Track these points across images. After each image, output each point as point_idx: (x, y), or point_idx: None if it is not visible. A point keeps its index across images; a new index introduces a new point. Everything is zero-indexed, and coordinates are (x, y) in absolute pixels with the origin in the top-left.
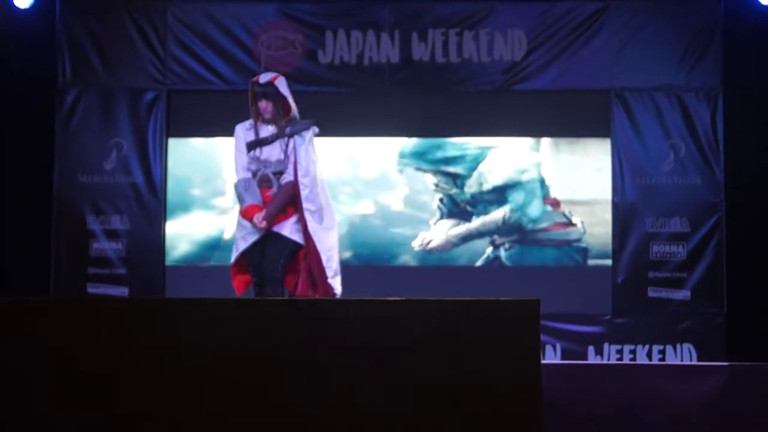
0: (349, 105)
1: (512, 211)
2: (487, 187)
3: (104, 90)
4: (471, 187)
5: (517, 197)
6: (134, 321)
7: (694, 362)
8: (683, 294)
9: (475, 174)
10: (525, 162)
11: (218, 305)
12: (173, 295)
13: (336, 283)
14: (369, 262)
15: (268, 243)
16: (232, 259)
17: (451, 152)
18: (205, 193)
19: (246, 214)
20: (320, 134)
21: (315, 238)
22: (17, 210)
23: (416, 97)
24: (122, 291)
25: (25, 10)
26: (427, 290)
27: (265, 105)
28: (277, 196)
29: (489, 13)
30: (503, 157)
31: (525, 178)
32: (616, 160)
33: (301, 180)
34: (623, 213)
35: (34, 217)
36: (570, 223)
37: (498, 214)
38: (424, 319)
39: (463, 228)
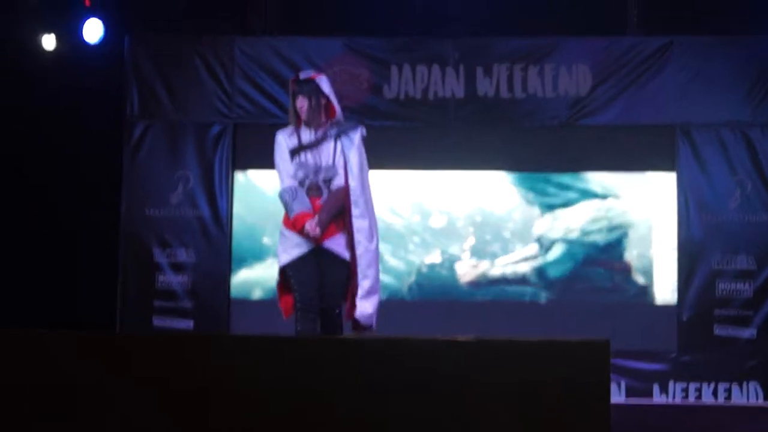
0: (413, 139)
1: None
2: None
3: (171, 123)
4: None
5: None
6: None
7: (761, 402)
8: (749, 332)
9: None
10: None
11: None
12: (238, 329)
13: (365, 305)
14: (431, 297)
15: (325, 265)
16: (278, 276)
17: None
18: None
19: (296, 222)
20: (385, 167)
21: (358, 251)
22: (85, 242)
23: (481, 131)
24: (187, 324)
25: (94, 45)
26: (494, 327)
27: (302, 103)
28: (328, 202)
29: (553, 48)
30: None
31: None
32: (681, 196)
33: (351, 184)
34: (689, 249)
35: (101, 250)
36: None
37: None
38: (494, 358)
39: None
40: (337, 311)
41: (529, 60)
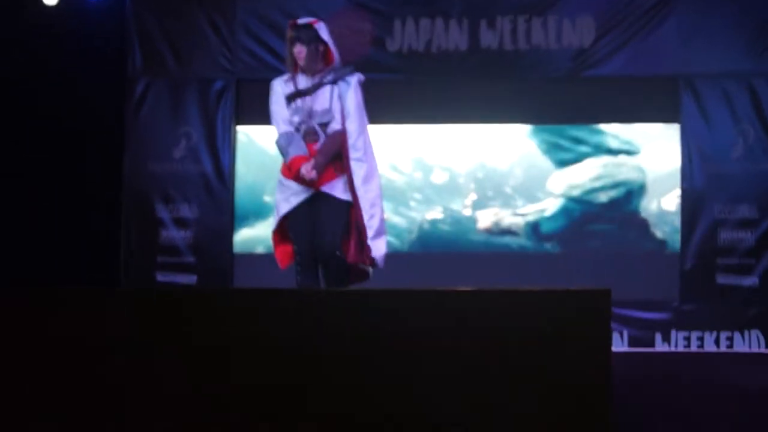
0: (417, 92)
1: None
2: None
3: (174, 79)
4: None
5: None
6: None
7: (763, 349)
8: (751, 280)
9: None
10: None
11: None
12: (241, 283)
13: (378, 245)
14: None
15: (322, 210)
16: (274, 224)
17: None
18: None
19: (292, 166)
20: (388, 121)
21: (359, 193)
22: (87, 198)
23: (484, 84)
24: (191, 279)
25: (95, 1)
26: (498, 278)
27: (299, 49)
28: (324, 144)
29: (557, 0)
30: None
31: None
32: (685, 146)
33: (348, 127)
34: (691, 199)
35: (103, 205)
36: None
37: None
38: (494, 308)
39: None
40: (339, 254)
41: (533, 12)
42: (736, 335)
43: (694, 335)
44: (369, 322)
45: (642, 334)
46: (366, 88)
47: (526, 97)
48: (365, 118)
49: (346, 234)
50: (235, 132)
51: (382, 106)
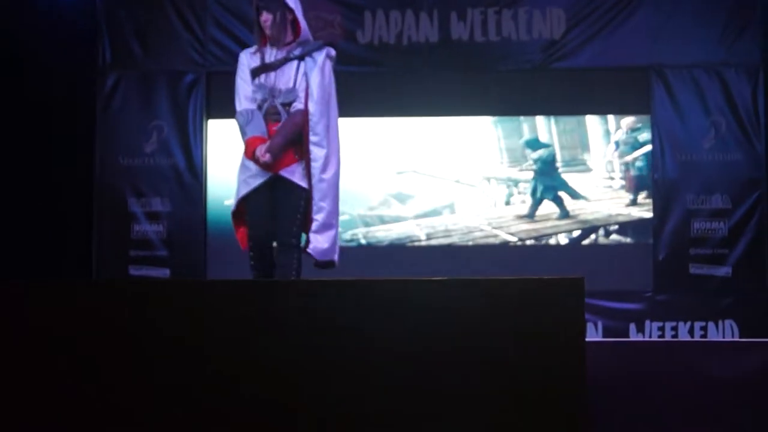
0: (388, 85)
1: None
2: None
3: (144, 73)
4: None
5: None
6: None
7: (737, 339)
8: (725, 270)
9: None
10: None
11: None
12: (215, 276)
13: (319, 239)
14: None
15: (280, 195)
16: (233, 206)
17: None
18: None
19: (248, 147)
20: (359, 114)
21: (313, 180)
22: (59, 193)
23: (455, 76)
24: (164, 272)
25: None
26: (467, 269)
27: (266, 17)
28: (283, 125)
29: None
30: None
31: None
32: (656, 137)
33: (310, 108)
34: (663, 190)
35: (75, 200)
36: None
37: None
38: (468, 298)
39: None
40: (294, 242)
41: (503, 3)
42: (710, 325)
43: (668, 325)
44: (340, 313)
45: (616, 324)
46: (337, 80)
47: (497, 88)
48: (332, 101)
49: (306, 223)
50: (206, 125)
51: (353, 99)
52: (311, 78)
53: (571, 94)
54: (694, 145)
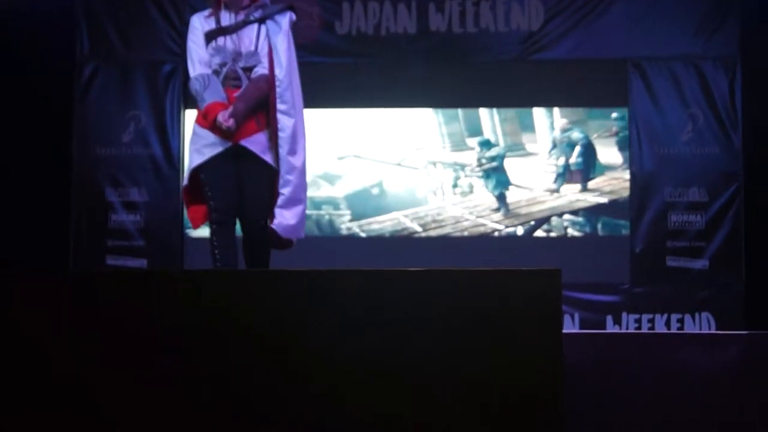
0: (366, 76)
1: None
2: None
3: (122, 63)
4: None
5: None
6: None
7: (713, 331)
8: (701, 263)
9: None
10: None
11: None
12: (192, 266)
13: (285, 215)
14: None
15: (245, 170)
16: (185, 179)
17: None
18: None
19: (207, 113)
20: (339, 105)
21: (281, 152)
22: (36, 183)
23: (433, 67)
24: (141, 263)
25: None
26: (444, 261)
27: None
28: (247, 90)
29: None
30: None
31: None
32: (633, 129)
33: (277, 74)
34: (641, 182)
35: (52, 190)
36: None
37: None
38: (445, 289)
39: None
40: (263, 222)
41: None
42: (687, 318)
43: (645, 318)
44: (318, 303)
45: (593, 316)
46: (315, 71)
47: (476, 80)
48: (296, 68)
49: (270, 200)
50: (183, 115)
51: (331, 90)
52: (277, 42)
53: (548, 85)
54: (671, 138)
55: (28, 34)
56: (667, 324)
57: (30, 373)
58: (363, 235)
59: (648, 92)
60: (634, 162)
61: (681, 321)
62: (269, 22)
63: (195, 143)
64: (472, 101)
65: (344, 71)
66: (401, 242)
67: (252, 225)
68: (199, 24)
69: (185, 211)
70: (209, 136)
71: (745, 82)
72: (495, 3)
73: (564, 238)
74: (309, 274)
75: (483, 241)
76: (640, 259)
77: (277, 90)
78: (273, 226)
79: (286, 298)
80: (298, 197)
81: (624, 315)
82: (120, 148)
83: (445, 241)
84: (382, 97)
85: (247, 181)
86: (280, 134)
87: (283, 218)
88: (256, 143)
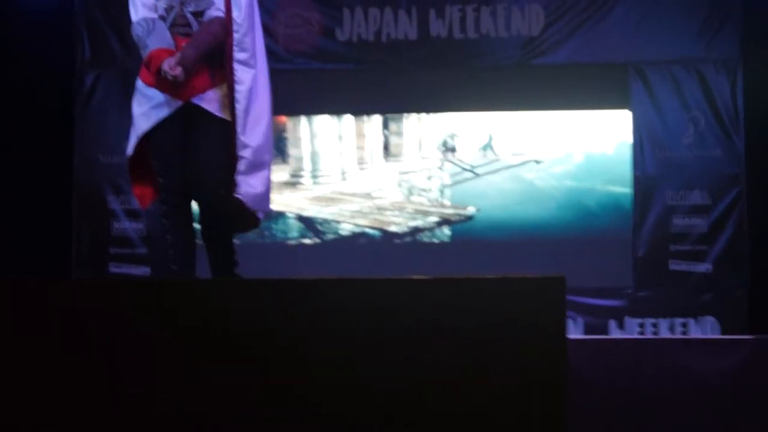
0: (367, 82)
1: None
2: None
3: (124, 70)
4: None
5: None
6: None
7: (717, 335)
8: (705, 267)
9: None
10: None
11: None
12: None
13: (250, 181)
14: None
15: (195, 130)
16: (129, 148)
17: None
18: None
19: (151, 62)
20: (338, 112)
21: (238, 108)
22: (38, 191)
23: (434, 73)
24: (144, 271)
25: None
26: (447, 266)
27: None
28: (198, 33)
29: None
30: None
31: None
32: (636, 133)
33: (235, 17)
34: (643, 186)
35: (55, 197)
36: None
37: None
38: (448, 296)
39: None
40: (223, 191)
41: (482, 1)
42: (691, 321)
43: (649, 322)
44: (319, 312)
45: (596, 321)
46: (317, 77)
47: (477, 85)
48: (257, 10)
49: (230, 165)
50: None
51: (332, 96)
52: None
53: (551, 90)
54: (673, 142)
55: (29, 42)
56: (671, 328)
57: (31, 382)
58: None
59: (649, 96)
60: (636, 165)
61: (685, 325)
62: None
63: (140, 104)
64: (473, 106)
65: (345, 78)
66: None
67: (208, 196)
68: None
69: (131, 187)
70: (156, 95)
71: (746, 84)
72: (495, 8)
73: (565, 241)
74: (317, 284)
75: (487, 245)
76: (643, 262)
77: (235, 36)
78: (238, 196)
79: (293, 308)
80: (262, 160)
81: (627, 319)
82: (122, 156)
83: (451, 244)
84: (383, 104)
85: (201, 143)
86: (238, 87)
87: (249, 186)
88: (210, 101)
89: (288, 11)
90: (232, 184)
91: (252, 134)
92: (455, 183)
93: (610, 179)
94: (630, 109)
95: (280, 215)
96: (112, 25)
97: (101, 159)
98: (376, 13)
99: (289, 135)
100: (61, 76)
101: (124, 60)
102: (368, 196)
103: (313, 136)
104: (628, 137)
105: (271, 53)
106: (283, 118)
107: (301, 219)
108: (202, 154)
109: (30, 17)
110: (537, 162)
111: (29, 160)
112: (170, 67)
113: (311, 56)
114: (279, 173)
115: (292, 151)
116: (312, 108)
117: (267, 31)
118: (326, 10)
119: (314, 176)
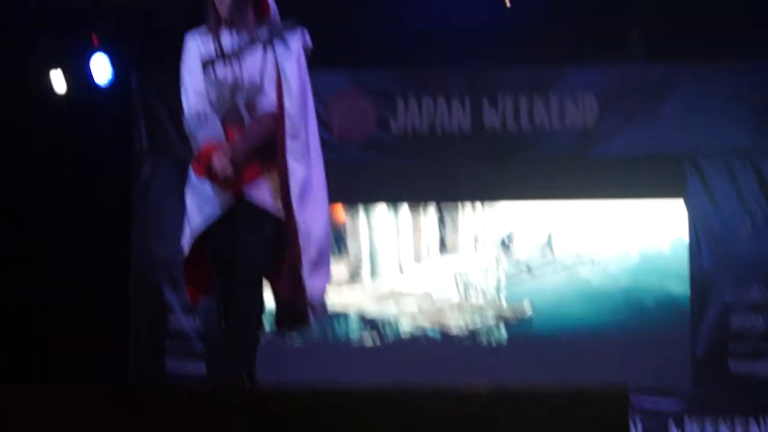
0: (421, 173)
1: None
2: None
3: (181, 160)
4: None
5: None
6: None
7: None
8: (765, 366)
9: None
10: None
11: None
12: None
13: (317, 282)
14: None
15: (242, 221)
16: (185, 248)
17: None
18: None
19: (201, 156)
20: (394, 201)
21: (294, 205)
22: (95, 282)
23: (488, 164)
24: (199, 366)
25: (102, 83)
26: (509, 368)
27: None
28: (250, 128)
29: (559, 78)
30: None
31: None
32: (691, 227)
33: (288, 108)
34: (700, 282)
35: (111, 289)
36: None
37: None
38: (498, 409)
39: None
40: (251, 292)
41: (535, 91)
42: (752, 422)
43: (708, 423)
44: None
45: (655, 422)
46: (370, 169)
47: (531, 176)
48: (311, 99)
49: (277, 260)
50: None
51: (387, 188)
52: (286, 68)
53: (605, 181)
54: (730, 235)
55: (88, 134)
56: (731, 429)
57: None
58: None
59: (705, 188)
60: (693, 260)
61: (745, 426)
62: (278, 44)
63: (193, 196)
64: (527, 196)
65: (399, 168)
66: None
67: (240, 288)
68: (195, 45)
69: (185, 282)
70: (208, 188)
71: None
72: (549, 100)
73: (622, 340)
74: (384, 392)
75: (545, 343)
76: (702, 362)
77: (287, 127)
78: (309, 298)
79: (360, 419)
80: (326, 257)
81: (687, 420)
82: (179, 248)
83: (512, 343)
84: (438, 194)
85: (243, 233)
86: (291, 177)
87: (315, 288)
88: (259, 190)
89: (342, 102)
90: (300, 286)
91: (314, 232)
92: (511, 280)
93: (666, 276)
94: (685, 201)
95: (341, 314)
96: (170, 113)
97: (158, 251)
98: (430, 104)
99: (346, 229)
100: (119, 166)
101: (181, 149)
102: (426, 293)
103: (371, 230)
104: (683, 232)
105: (325, 144)
106: (341, 213)
107: (362, 318)
108: (243, 246)
109: (89, 110)
110: (593, 261)
111: (86, 251)
112: (220, 162)
113: (365, 147)
114: (337, 269)
115: (351, 245)
116: (367, 199)
117: (321, 122)
118: (380, 101)
119: (373, 272)
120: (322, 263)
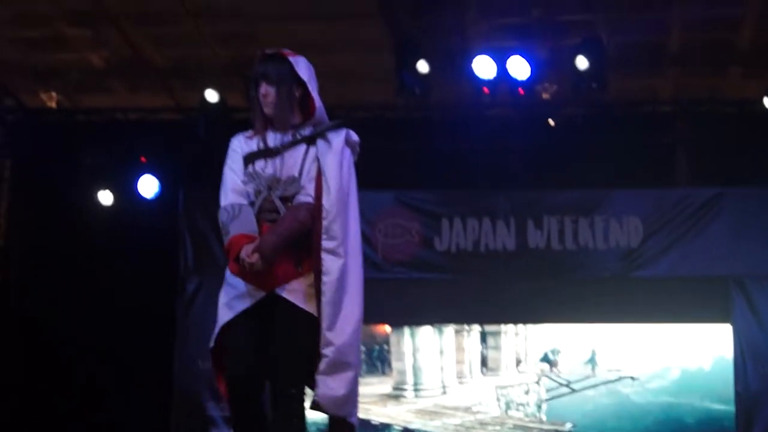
0: (466, 292)
1: None
2: None
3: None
4: None
5: None
6: None
7: None
8: None
9: None
10: None
11: None
12: None
13: (329, 384)
14: None
15: (277, 326)
16: (212, 340)
17: None
18: None
19: (230, 248)
20: (437, 321)
21: (324, 300)
22: (137, 397)
23: (533, 284)
24: None
25: (149, 200)
26: None
27: (265, 90)
28: (283, 221)
29: (604, 200)
30: None
31: None
32: (737, 347)
33: (324, 203)
34: (746, 402)
35: (154, 404)
36: None
37: None
38: None
39: None
40: (293, 392)
41: (580, 212)
42: None
43: None
44: None
45: None
46: (416, 287)
47: (576, 297)
48: (352, 198)
49: (314, 362)
50: None
51: (431, 306)
52: (326, 164)
53: (650, 302)
54: None
55: (134, 249)
56: None
57: None
58: None
59: (751, 310)
60: (738, 381)
61: None
62: (320, 142)
63: (225, 294)
64: (571, 318)
65: (444, 287)
66: None
67: (279, 394)
68: (239, 146)
69: (217, 382)
70: (240, 284)
71: None
72: (593, 220)
73: None
74: None
75: None
76: None
77: (323, 222)
78: (317, 398)
79: None
80: (346, 360)
81: None
82: None
83: None
84: (483, 314)
85: (279, 340)
86: (324, 278)
87: (327, 387)
88: (294, 291)
89: (388, 221)
90: (312, 384)
91: (338, 331)
92: (552, 398)
93: (708, 395)
94: (731, 323)
95: (386, 426)
96: (215, 231)
97: (200, 365)
98: (475, 224)
99: (392, 347)
100: (164, 282)
101: (225, 266)
102: (468, 410)
103: (415, 350)
104: (725, 351)
105: (370, 263)
106: (386, 329)
107: (406, 430)
108: (279, 352)
109: (136, 223)
110: (633, 378)
111: (130, 364)
112: (247, 254)
113: (410, 266)
114: (382, 385)
115: (395, 363)
116: (411, 318)
117: (367, 241)
118: (425, 220)
119: (416, 389)
120: (340, 370)
